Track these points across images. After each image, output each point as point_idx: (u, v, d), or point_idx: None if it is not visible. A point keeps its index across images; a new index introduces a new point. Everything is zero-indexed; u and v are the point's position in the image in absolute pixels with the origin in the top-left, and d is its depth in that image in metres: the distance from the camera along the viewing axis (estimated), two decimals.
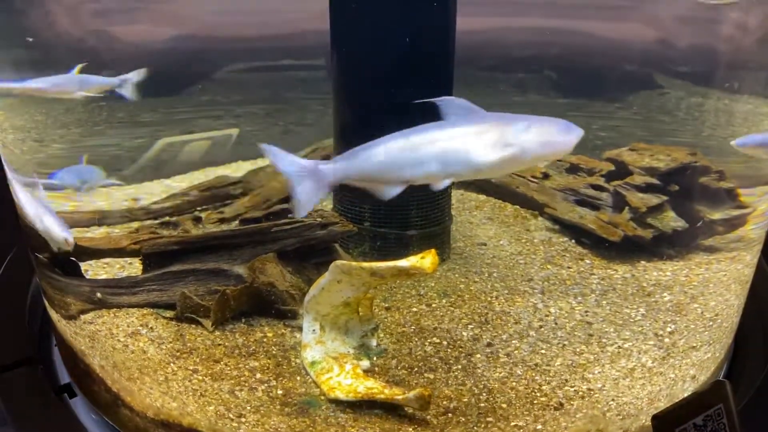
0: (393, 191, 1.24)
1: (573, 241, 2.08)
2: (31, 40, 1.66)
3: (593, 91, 2.42)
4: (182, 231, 1.71)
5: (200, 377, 1.44)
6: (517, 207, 2.33)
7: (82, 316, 1.62)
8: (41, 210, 1.62)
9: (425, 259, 1.30)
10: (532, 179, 2.33)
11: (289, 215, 1.67)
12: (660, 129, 2.30)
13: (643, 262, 1.94)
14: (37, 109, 2.04)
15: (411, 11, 1.67)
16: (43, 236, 1.63)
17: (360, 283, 1.41)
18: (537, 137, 1.18)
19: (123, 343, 1.55)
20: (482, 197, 2.42)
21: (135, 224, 2.02)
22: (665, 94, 2.39)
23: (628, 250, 1.97)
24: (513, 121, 1.19)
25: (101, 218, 2.07)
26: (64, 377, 1.73)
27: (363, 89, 1.78)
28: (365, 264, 1.37)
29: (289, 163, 1.23)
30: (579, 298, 1.75)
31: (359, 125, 1.83)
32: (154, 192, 2.36)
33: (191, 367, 1.47)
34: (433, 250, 1.32)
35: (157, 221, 1.98)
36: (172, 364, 1.48)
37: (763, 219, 1.77)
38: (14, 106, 1.86)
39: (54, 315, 1.71)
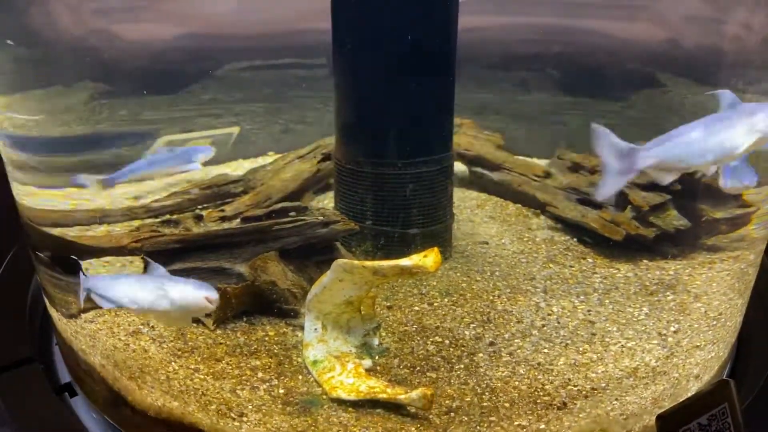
0: (670, 178, 1.42)
1: (575, 239, 2.08)
2: (11, 43, 1.65)
3: (596, 89, 2.41)
4: (183, 229, 1.70)
5: (202, 376, 1.43)
6: (519, 206, 2.32)
7: (83, 315, 1.62)
8: (164, 284, 1.32)
9: (428, 258, 1.30)
10: (534, 178, 2.32)
11: (291, 213, 1.66)
12: (666, 128, 2.29)
13: (645, 261, 1.93)
14: (38, 107, 2.04)
15: (413, 8, 1.66)
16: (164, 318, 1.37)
17: (362, 282, 1.41)
18: None
19: (124, 342, 1.54)
20: (483, 196, 2.42)
21: (136, 222, 2.02)
22: (668, 92, 2.38)
23: (630, 248, 1.96)
24: (758, 110, 1.35)
25: (102, 216, 2.06)
26: (65, 377, 1.72)
27: (364, 86, 1.77)
28: (367, 263, 1.36)
29: (609, 144, 1.37)
30: (581, 297, 1.75)
31: (360, 122, 1.83)
32: (154, 190, 2.35)
33: (192, 366, 1.46)
34: (435, 249, 1.31)
35: (158, 219, 1.97)
36: (173, 363, 1.47)
37: (766, 218, 1.76)
38: (12, 104, 1.85)
39: (54, 314, 1.70)
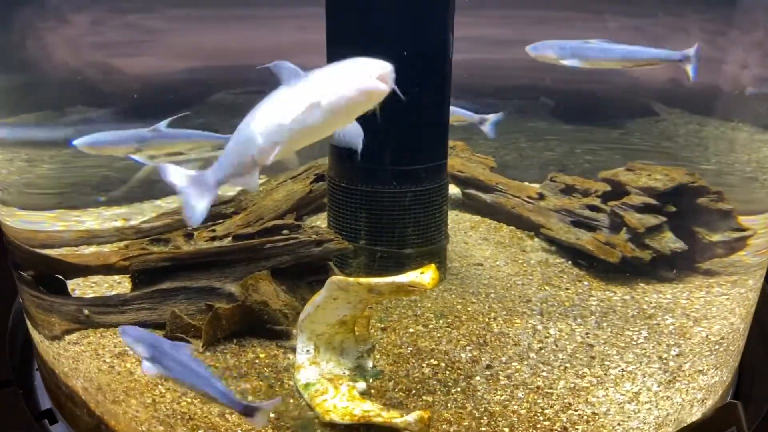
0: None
1: (569, 262, 2.06)
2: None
3: (592, 117, 2.45)
4: (173, 247, 1.66)
5: (189, 399, 1.38)
6: (513, 227, 2.31)
7: (67, 337, 1.57)
8: None
9: (425, 274, 1.26)
10: (528, 200, 2.31)
11: (284, 231, 1.63)
12: (667, 154, 2.31)
13: (641, 284, 1.92)
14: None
15: (408, 27, 1.66)
16: None
17: (357, 300, 1.37)
18: None
19: (109, 364, 1.49)
20: (476, 217, 2.40)
21: (124, 242, 1.98)
22: (662, 121, 2.41)
23: (624, 271, 1.95)
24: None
25: (90, 237, 2.02)
26: (45, 403, 1.66)
27: None
28: (363, 279, 1.32)
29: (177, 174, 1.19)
30: (579, 320, 1.72)
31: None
32: (144, 212, 2.32)
33: (180, 389, 1.41)
34: (432, 265, 1.28)
35: (146, 239, 1.94)
36: (160, 386, 1.42)
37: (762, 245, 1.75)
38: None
39: (36, 336, 1.65)
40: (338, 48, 1.73)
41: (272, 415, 1.35)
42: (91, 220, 2.21)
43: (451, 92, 1.80)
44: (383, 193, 1.75)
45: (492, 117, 2.26)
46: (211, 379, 1.19)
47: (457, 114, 2.17)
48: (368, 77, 1.01)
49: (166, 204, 2.41)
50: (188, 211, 1.16)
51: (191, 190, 1.17)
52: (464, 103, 2.21)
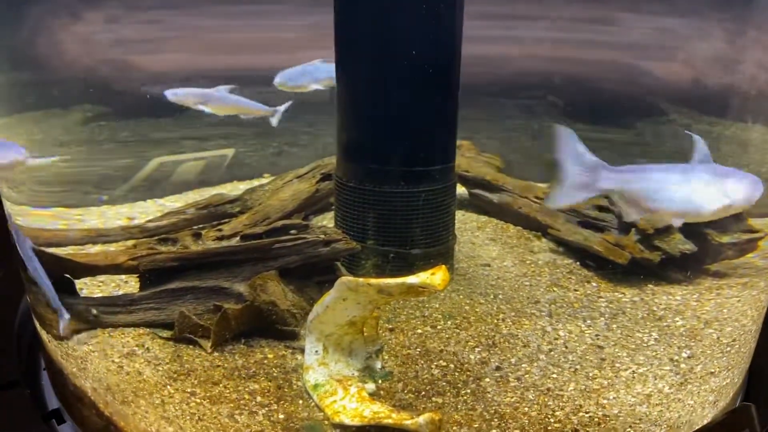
0: (634, 215, 1.32)
1: (578, 263, 2.04)
2: None
3: (601, 117, 2.42)
4: (181, 247, 1.65)
5: (198, 400, 1.37)
6: (520, 228, 2.30)
7: (75, 336, 1.56)
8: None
9: (435, 276, 1.25)
10: (535, 200, 2.30)
11: (292, 231, 1.62)
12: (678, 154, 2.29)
13: (650, 285, 1.90)
14: (36, 128, 2.02)
15: (418, 26, 1.65)
16: None
17: (366, 301, 1.36)
18: None
19: (117, 364, 1.48)
20: (483, 218, 2.39)
21: (131, 242, 1.96)
22: (671, 121, 2.39)
23: (633, 273, 1.93)
24: (731, 176, 1.34)
25: (96, 236, 2.01)
26: (53, 402, 1.65)
27: (369, 103, 1.75)
28: (372, 280, 1.31)
29: (573, 151, 1.18)
30: (588, 322, 1.70)
31: (364, 140, 1.81)
32: (148, 211, 2.31)
33: (189, 390, 1.40)
34: (443, 266, 1.27)
35: (153, 239, 1.93)
36: (168, 387, 1.41)
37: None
38: (11, 125, 1.82)
39: (44, 336, 1.64)
40: (348, 51, 1.72)
41: (281, 416, 1.35)
42: (94, 218, 2.20)
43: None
44: (392, 193, 1.74)
45: (282, 108, 2.38)
46: (44, 277, 1.41)
47: (249, 107, 2.30)
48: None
49: (170, 203, 2.41)
50: (554, 195, 1.16)
51: (578, 177, 1.15)
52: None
